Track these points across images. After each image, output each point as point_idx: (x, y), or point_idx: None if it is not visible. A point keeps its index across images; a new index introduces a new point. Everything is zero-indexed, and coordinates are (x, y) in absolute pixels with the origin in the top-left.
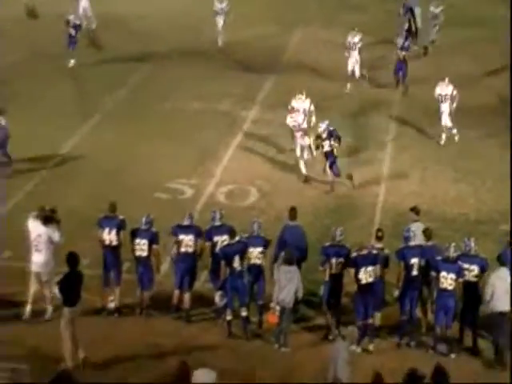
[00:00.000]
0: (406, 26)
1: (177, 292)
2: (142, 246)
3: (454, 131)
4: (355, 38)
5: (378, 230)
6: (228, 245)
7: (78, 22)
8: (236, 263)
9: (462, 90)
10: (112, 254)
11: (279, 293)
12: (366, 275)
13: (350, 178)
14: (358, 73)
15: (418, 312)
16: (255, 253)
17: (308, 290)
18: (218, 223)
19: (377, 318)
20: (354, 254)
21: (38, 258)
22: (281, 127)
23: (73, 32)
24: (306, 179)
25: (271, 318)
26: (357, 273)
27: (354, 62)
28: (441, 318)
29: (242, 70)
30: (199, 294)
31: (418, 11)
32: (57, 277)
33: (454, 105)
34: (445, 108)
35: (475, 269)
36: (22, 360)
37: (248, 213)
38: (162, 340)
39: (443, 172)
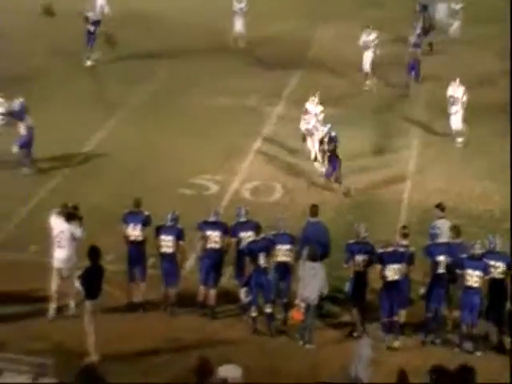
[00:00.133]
0: (420, 23)
1: (202, 288)
2: (167, 243)
3: (460, 139)
4: (370, 36)
5: (404, 227)
6: (253, 241)
7: (96, 19)
8: (261, 260)
9: (485, 86)
10: (137, 250)
11: (304, 290)
12: (392, 272)
13: (347, 194)
14: (368, 69)
15: (444, 310)
16: (283, 250)
17: (333, 286)
18: (243, 219)
19: (402, 316)
20: (380, 251)
21: (60, 254)
22: None
23: (92, 28)
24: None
25: (296, 314)
26: (383, 269)
27: (369, 59)
28: (466, 316)
29: (268, 66)
30: (224, 290)
31: (442, 7)
32: (78, 271)
33: (462, 111)
34: (453, 110)
35: (501, 266)
36: (47, 355)
37: (273, 209)
38: (187, 335)
39: (468, 169)
